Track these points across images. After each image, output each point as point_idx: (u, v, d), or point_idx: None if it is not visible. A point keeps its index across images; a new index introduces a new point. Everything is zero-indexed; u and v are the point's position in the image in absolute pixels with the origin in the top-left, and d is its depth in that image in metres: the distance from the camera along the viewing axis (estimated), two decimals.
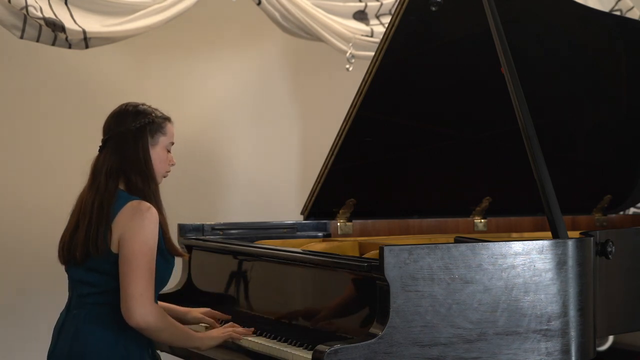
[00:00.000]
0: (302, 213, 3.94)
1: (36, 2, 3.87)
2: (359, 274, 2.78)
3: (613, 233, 3.29)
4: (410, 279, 2.62)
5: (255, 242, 3.55)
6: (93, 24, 4.06)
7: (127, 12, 4.18)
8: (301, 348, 2.81)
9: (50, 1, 3.94)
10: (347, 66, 4.72)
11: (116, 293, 2.72)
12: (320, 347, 2.53)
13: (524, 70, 3.18)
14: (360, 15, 4.82)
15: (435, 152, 4.02)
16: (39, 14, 3.85)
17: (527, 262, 2.78)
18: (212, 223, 3.69)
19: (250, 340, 2.97)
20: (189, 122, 4.95)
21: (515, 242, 2.79)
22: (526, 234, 4.30)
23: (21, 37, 3.96)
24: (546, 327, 2.79)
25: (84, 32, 4.00)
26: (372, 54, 3.71)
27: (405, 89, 3.78)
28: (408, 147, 3.97)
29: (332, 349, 2.50)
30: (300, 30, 4.66)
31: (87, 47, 4.08)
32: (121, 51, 4.76)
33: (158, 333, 2.73)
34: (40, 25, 3.93)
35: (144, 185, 2.81)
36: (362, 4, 4.83)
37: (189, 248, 3.58)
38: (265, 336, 2.99)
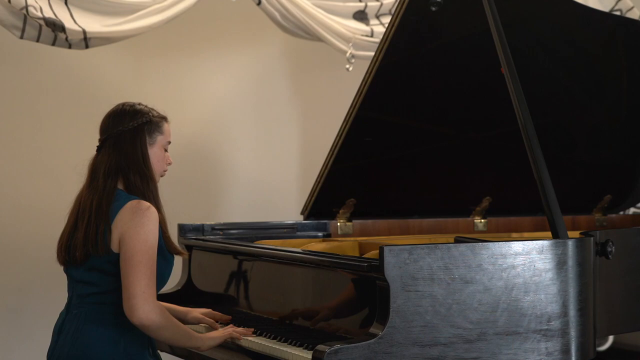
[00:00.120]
0: (302, 213, 3.95)
1: (36, 2, 3.87)
2: (359, 274, 2.77)
3: (613, 233, 3.28)
4: (410, 279, 2.62)
5: (255, 242, 3.55)
6: (93, 24, 4.06)
7: (127, 12, 4.18)
8: (301, 348, 2.81)
9: (50, 1, 3.94)
10: (347, 66, 4.71)
11: (117, 293, 2.73)
12: (320, 347, 2.53)
13: (524, 70, 3.18)
14: (360, 15, 4.82)
15: (435, 152, 4.02)
16: (39, 14, 3.85)
17: (527, 262, 2.78)
18: (212, 223, 3.69)
19: (250, 340, 2.97)
20: (189, 122, 4.96)
21: (515, 242, 2.79)
22: (526, 234, 4.29)
23: (21, 37, 3.96)
24: (546, 327, 2.79)
25: (84, 32, 4.00)
26: (372, 54, 3.72)
27: (405, 89, 3.78)
28: (408, 147, 3.97)
29: (332, 349, 2.50)
30: (300, 30, 4.65)
31: (87, 47, 4.08)
32: (121, 51, 4.76)
33: (160, 331, 2.73)
34: (40, 25, 3.93)
35: (143, 185, 2.81)
36: (362, 4, 4.82)
37: (189, 248, 3.58)
38: (265, 336, 2.99)
